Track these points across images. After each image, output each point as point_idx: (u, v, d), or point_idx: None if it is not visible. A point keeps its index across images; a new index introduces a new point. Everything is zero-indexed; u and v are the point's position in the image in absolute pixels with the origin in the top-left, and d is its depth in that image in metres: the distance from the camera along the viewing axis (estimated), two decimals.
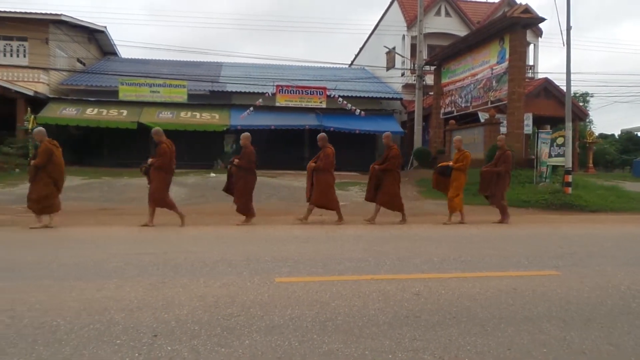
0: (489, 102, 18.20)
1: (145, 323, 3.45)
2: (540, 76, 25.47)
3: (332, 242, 7.03)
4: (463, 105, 20.24)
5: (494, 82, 17.86)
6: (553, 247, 6.92)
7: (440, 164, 10.30)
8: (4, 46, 22.43)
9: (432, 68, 23.22)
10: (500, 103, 17.65)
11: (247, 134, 9.51)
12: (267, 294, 4.19)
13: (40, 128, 8.86)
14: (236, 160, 9.16)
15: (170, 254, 5.91)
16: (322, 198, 9.27)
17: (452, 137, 20.28)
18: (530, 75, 25.14)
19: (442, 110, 22.07)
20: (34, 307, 3.78)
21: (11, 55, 22.63)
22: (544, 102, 21.48)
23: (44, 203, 8.35)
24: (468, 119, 20.84)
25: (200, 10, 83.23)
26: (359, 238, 7.42)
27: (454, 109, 21.07)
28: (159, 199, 8.70)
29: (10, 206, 11.06)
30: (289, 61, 38.81)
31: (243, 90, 24.22)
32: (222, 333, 3.27)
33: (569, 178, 13.33)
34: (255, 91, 23.45)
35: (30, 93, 20.42)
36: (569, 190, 13.16)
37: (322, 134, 9.77)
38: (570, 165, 13.69)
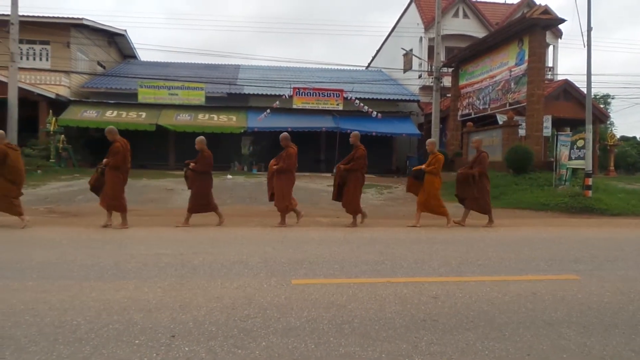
0: (508, 104, 18.02)
1: (164, 324, 3.49)
2: (559, 78, 25.16)
3: (348, 244, 7.02)
4: (481, 107, 20.07)
5: (512, 84, 17.68)
6: (573, 250, 6.82)
7: (414, 168, 10.04)
8: (27, 50, 22.87)
9: (450, 70, 23.07)
10: (519, 105, 17.46)
11: (201, 137, 9.34)
12: (283, 295, 4.21)
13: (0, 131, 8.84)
14: (192, 164, 9.08)
15: (188, 255, 5.96)
16: (281, 200, 9.14)
17: (470, 139, 20.13)
18: (549, 76, 24.86)
19: (460, 113, 21.92)
20: (55, 307, 3.85)
21: (34, 59, 23.07)
22: (563, 104, 21.20)
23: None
24: (486, 121, 20.66)
25: (219, 13, 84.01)
26: (375, 241, 7.40)
27: (471, 111, 20.91)
28: (114, 201, 8.70)
29: (33, 207, 11.25)
30: (306, 63, 38.92)
31: (260, 93, 24.35)
32: (239, 334, 3.29)
33: (589, 181, 13.12)
34: (272, 93, 23.56)
35: (52, 96, 20.78)
36: (589, 193, 12.96)
37: (285, 134, 9.65)
38: (590, 168, 13.48)
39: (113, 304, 3.92)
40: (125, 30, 27.46)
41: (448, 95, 23.78)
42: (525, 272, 5.33)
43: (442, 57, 22.95)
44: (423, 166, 9.68)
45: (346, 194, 9.28)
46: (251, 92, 24.55)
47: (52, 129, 19.31)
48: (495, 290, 4.46)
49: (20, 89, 18.63)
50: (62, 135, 19.63)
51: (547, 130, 17.78)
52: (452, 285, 4.62)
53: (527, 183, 14.41)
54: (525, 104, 16.88)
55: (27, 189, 13.60)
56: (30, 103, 19.73)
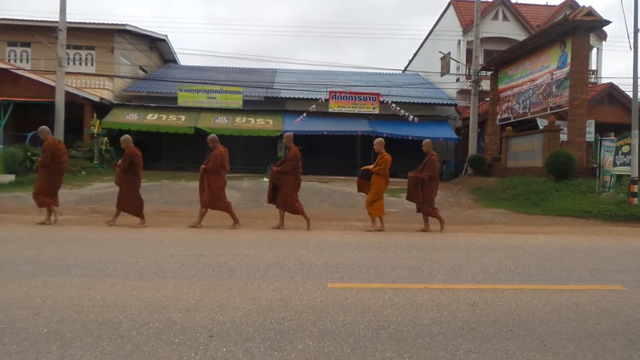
0: (549, 109, 17.57)
1: (202, 323, 3.55)
2: (603, 81, 24.36)
3: (384, 249, 6.98)
4: (521, 111, 19.64)
5: (554, 87, 17.24)
6: (618, 260, 6.59)
7: (362, 168, 9.75)
8: (74, 55, 23.71)
9: (489, 73, 22.67)
10: (561, 109, 17.01)
11: (126, 136, 9.44)
12: (319, 299, 4.22)
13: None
14: (119, 162, 9.19)
15: (225, 256, 6.05)
16: (213, 201, 9.09)
17: (509, 144, 19.73)
18: (593, 80, 24.11)
19: (499, 117, 21.50)
20: (98, 304, 3.97)
21: (80, 64, 23.90)
22: (607, 109, 20.53)
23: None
24: (526, 126, 20.20)
25: (258, 18, 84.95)
26: (411, 246, 7.34)
27: (511, 115, 20.48)
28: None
29: (77, 206, 11.64)
30: (343, 67, 38.98)
31: (297, 97, 24.50)
32: (276, 337, 3.31)
33: (635, 188, 12.65)
34: (309, 97, 23.67)
35: (97, 99, 21.47)
36: (635, 200, 12.49)
37: (212, 136, 9.58)
38: (636, 174, 12.99)
39: (153, 303, 4.02)
40: (166, 36, 28.15)
41: (486, 99, 23.37)
42: (567, 281, 5.18)
43: (481, 61, 22.57)
44: (370, 166, 9.46)
45: (280, 196, 9.19)
46: (288, 96, 24.73)
47: (95, 131, 19.95)
48: (535, 299, 4.35)
49: (67, 93, 19.36)
50: (105, 138, 20.25)
51: (590, 136, 17.24)
52: (490, 293, 4.53)
53: (569, 189, 14.01)
54: (567, 108, 16.44)
55: (72, 189, 14.11)
56: (76, 106, 20.43)
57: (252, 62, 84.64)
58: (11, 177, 15.22)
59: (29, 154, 16.50)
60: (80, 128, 21.14)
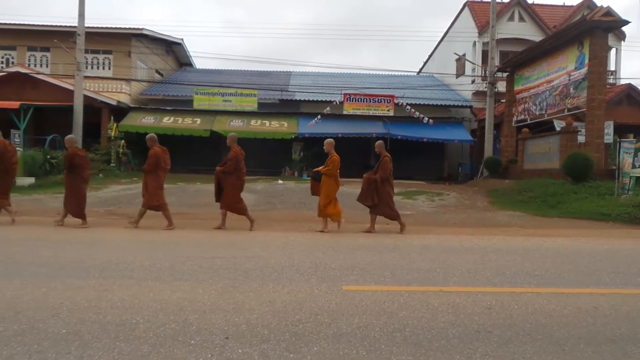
0: (566, 110, 17.37)
1: (218, 325, 3.57)
2: (622, 82, 24.01)
3: (398, 251, 6.96)
4: (537, 113, 19.44)
5: (571, 88, 17.04)
6: (637, 263, 6.49)
7: (314, 170, 9.67)
8: (92, 59, 24.05)
9: (504, 75, 22.49)
10: (578, 111, 16.80)
11: (69, 136, 9.69)
12: (334, 301, 4.22)
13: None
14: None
15: (240, 258, 6.08)
16: (151, 199, 9.16)
17: (525, 146, 19.54)
18: (611, 81, 23.78)
19: (515, 118, 21.31)
20: (116, 305, 4.02)
21: (98, 68, 24.23)
22: (626, 110, 20.23)
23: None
24: (542, 127, 20.00)
25: (273, 21, 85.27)
26: (426, 248, 7.30)
27: (527, 116, 20.28)
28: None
29: (94, 209, 11.78)
30: (357, 69, 38.96)
31: (311, 99, 24.54)
32: (291, 339, 3.32)
33: None
34: (323, 99, 23.70)
35: (114, 103, 21.74)
36: None
37: (150, 135, 9.63)
38: None
39: (170, 304, 4.05)
40: (182, 39, 28.42)
41: (502, 100, 23.18)
42: (585, 284, 5.11)
43: (497, 62, 22.41)
44: (320, 168, 9.41)
45: (225, 197, 9.23)
46: (302, 99, 24.79)
47: (113, 134, 20.19)
48: (553, 303, 4.30)
49: (85, 97, 19.64)
50: (122, 141, 20.49)
51: (609, 137, 17.00)
52: (506, 296, 4.49)
53: (587, 192, 13.82)
54: (585, 109, 16.23)
55: (89, 191, 14.27)
56: (93, 110, 20.72)
57: (267, 65, 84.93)
58: (31, 180, 15.47)
59: (48, 157, 16.76)
60: (97, 131, 21.43)
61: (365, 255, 6.55)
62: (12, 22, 23.92)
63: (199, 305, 4.04)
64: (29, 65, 23.50)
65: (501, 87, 22.72)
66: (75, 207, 9.20)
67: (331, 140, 9.57)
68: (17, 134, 16.49)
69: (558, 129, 18.52)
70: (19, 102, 18.63)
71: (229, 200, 9.19)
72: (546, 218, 11.79)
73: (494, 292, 4.67)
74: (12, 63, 23.50)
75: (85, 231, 8.51)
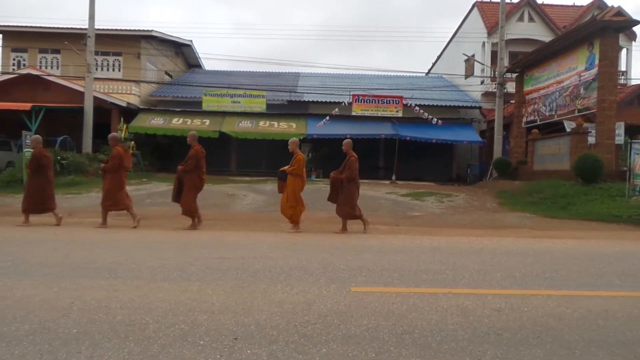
0: (576, 111, 17.25)
1: (227, 326, 3.58)
2: (634, 82, 23.80)
3: (407, 252, 6.94)
4: (547, 113, 19.32)
5: (581, 89, 16.91)
6: None
7: (280, 169, 9.65)
8: (102, 61, 24.22)
9: (514, 75, 22.37)
10: (589, 112, 16.68)
11: (35, 136, 9.84)
12: (343, 302, 4.22)
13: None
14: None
15: (248, 259, 6.09)
16: (110, 198, 9.26)
17: (535, 147, 19.42)
18: (622, 81, 23.57)
19: (524, 119, 21.19)
20: (125, 305, 4.04)
21: (108, 70, 24.40)
22: (637, 111, 20.05)
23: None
24: (552, 128, 19.86)
25: (282, 23, 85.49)
26: (435, 250, 7.27)
27: (537, 117, 20.16)
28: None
29: None
30: (366, 70, 38.94)
31: (320, 100, 24.55)
32: (300, 340, 3.32)
33: None
34: (332, 100, 23.71)
35: (124, 104, 21.88)
36: None
37: (111, 135, 9.99)
38: None
39: (179, 305, 4.07)
40: (191, 41, 28.55)
41: (512, 101, 23.05)
42: (596, 287, 5.07)
43: (506, 63, 22.30)
44: (286, 167, 9.42)
45: (183, 196, 9.27)
46: (311, 100, 24.81)
47: (122, 135, 20.30)
48: (563, 306, 4.27)
49: (95, 98, 19.80)
50: (132, 142, 20.60)
51: (620, 138, 16.84)
52: (516, 299, 4.47)
53: (597, 193, 13.70)
54: (595, 110, 16.10)
55: (99, 192, 14.38)
56: (103, 111, 20.86)
57: (276, 66, 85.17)
58: None
59: (59, 157, 16.89)
60: (107, 132, 21.44)
61: (373, 256, 6.54)
62: (24, 24, 24.21)
63: (208, 306, 4.06)
64: (40, 67, 23.71)
65: (510, 87, 22.60)
66: (31, 205, 9.33)
67: (295, 139, 9.67)
68: (29, 135, 16.60)
69: (568, 130, 18.39)
70: (30, 104, 18.79)
71: (185, 199, 9.26)
72: (556, 219, 11.70)
73: (503, 294, 4.64)
74: (24, 65, 23.71)
75: (95, 232, 8.57)
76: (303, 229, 9.21)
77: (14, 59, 24.46)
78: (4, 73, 22.50)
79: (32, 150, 9.60)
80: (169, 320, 3.68)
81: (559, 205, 13.29)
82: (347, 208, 9.20)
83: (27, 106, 18.56)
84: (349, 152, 9.43)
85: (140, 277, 5.02)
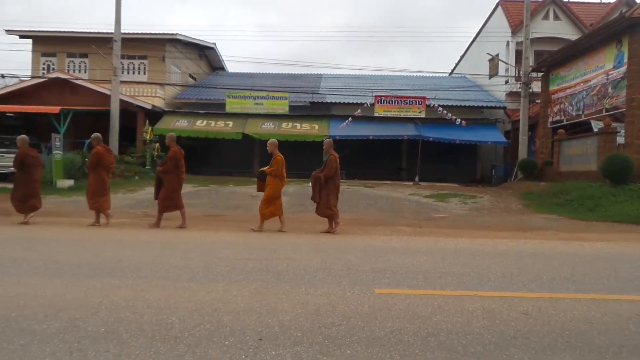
0: (604, 110, 16.88)
1: (251, 326, 3.60)
2: None
3: (431, 254, 6.89)
4: (574, 113, 18.95)
5: (609, 88, 16.55)
6: None
7: (260, 169, 9.79)
8: (128, 64, 24.63)
9: (539, 75, 22.01)
10: (617, 111, 16.30)
11: (21, 136, 9.95)
12: (367, 304, 4.21)
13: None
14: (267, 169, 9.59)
15: (272, 260, 6.13)
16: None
17: (561, 147, 19.07)
18: None
19: (550, 119, 20.82)
20: (152, 305, 4.10)
21: (133, 73, 24.81)
22: None
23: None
24: (579, 128, 19.48)
25: (305, 25, 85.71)
26: (459, 252, 7.20)
27: (563, 117, 19.79)
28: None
29: (131, 210, 12.06)
30: (389, 71, 38.79)
31: (342, 101, 24.54)
32: (324, 342, 3.32)
33: None
34: (354, 102, 23.67)
35: (149, 107, 22.22)
36: None
37: (95, 135, 10.25)
38: None
39: (204, 305, 4.11)
40: (215, 44, 28.84)
41: (537, 101, 22.68)
42: (626, 291, 4.95)
43: (531, 62, 21.95)
44: (266, 168, 9.52)
45: (160, 193, 9.46)
46: (333, 101, 24.80)
47: (148, 137, 20.64)
48: (592, 310, 4.18)
49: (121, 101, 20.15)
50: (157, 144, 20.91)
51: None
52: (544, 302, 4.39)
53: (627, 195, 13.38)
54: (624, 109, 15.73)
55: (125, 193, 14.64)
56: (129, 114, 21.22)
57: (298, 67, 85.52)
58: (70, 182, 15.94)
59: (86, 159, 17.22)
60: (133, 135, 21.92)
61: (397, 258, 6.50)
62: (53, 29, 24.73)
63: (233, 306, 4.09)
64: (68, 71, 24.23)
65: (536, 87, 22.24)
66: (18, 202, 9.63)
67: (274, 140, 9.77)
68: (58, 137, 16.98)
69: (596, 129, 18.01)
70: (59, 107, 19.20)
71: (164, 197, 9.44)
72: (584, 221, 11.47)
73: (530, 297, 4.57)
74: (53, 69, 24.27)
75: (122, 232, 8.71)
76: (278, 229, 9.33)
77: (43, 64, 25.05)
78: (34, 77, 23.08)
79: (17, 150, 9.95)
80: (195, 320, 3.72)
81: (586, 206, 13.03)
82: (325, 209, 9.37)
83: (56, 109, 18.98)
84: (329, 151, 9.64)
85: (166, 277, 5.09)
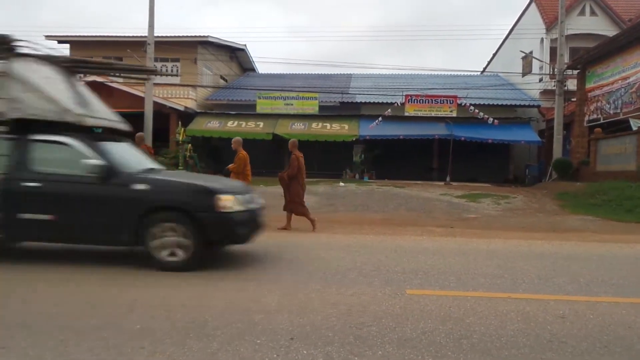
0: None
1: (282, 326, 3.62)
2: None
3: (463, 255, 6.79)
4: (611, 112, 18.38)
5: None
6: None
7: (226, 167, 9.96)
8: (161, 67, 25.07)
9: (575, 72, 21.44)
10: None
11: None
12: (398, 305, 4.18)
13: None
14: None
15: (303, 260, 6.15)
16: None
17: (598, 146, 18.54)
18: None
19: (586, 118, 20.25)
20: (184, 303, 4.17)
21: (167, 75, 25.25)
22: None
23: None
24: (617, 127, 18.89)
25: (335, 24, 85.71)
26: (492, 253, 7.07)
27: (600, 116, 19.21)
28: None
29: None
30: (419, 70, 38.43)
31: (372, 101, 24.42)
32: (355, 342, 3.32)
33: None
34: (384, 101, 23.52)
35: (181, 108, 22.58)
36: None
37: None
38: None
39: (236, 304, 4.16)
40: (245, 45, 29.09)
41: (573, 99, 22.09)
42: None
43: (566, 59, 21.41)
44: (230, 165, 9.74)
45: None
46: (363, 101, 24.71)
47: (180, 138, 20.97)
48: (632, 314, 4.05)
49: (155, 103, 20.53)
50: (189, 145, 21.23)
51: None
52: (581, 305, 4.28)
53: None
54: None
55: None
56: (162, 115, 21.60)
57: (328, 67, 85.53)
58: None
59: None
60: (166, 136, 22.31)
61: (428, 259, 6.44)
62: (89, 34, 25.44)
63: (264, 306, 4.12)
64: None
65: (571, 85, 21.65)
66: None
67: (238, 139, 10.18)
68: None
69: (635, 128, 17.43)
70: None
71: None
72: (622, 223, 11.12)
73: (567, 300, 4.46)
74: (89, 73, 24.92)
75: None
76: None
77: None
78: None
79: None
80: (227, 319, 3.76)
81: (624, 207, 12.63)
82: (299, 206, 9.58)
83: None
84: (292, 151, 9.78)
85: (199, 276, 5.16)
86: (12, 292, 4.43)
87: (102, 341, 3.31)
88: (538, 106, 24.42)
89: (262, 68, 33.03)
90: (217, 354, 3.11)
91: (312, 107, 23.54)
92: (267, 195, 14.24)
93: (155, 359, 3.05)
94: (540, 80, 24.62)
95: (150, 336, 3.40)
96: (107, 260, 6.00)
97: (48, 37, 25.03)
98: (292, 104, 23.65)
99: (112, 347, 3.21)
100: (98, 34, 25.40)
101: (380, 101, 23.87)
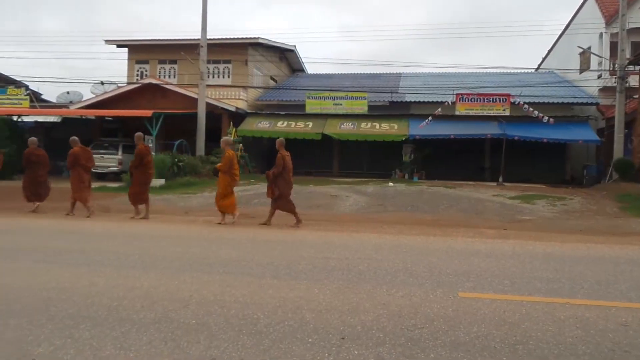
0: None
1: (333, 325, 3.65)
2: None
3: (517, 258, 6.61)
4: None
5: None
6: None
7: (215, 166, 10.01)
8: (213, 69, 25.70)
9: (637, 68, 20.41)
10: None
11: (31, 138, 11.65)
12: (450, 308, 4.12)
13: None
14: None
15: (353, 260, 6.16)
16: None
17: None
18: None
19: None
20: (238, 300, 4.27)
21: (218, 77, 25.84)
22: None
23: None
24: None
25: (385, 24, 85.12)
26: (548, 256, 6.85)
27: None
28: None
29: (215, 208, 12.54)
30: (470, 68, 37.61)
31: (422, 100, 24.11)
32: (407, 344, 3.30)
33: None
34: (434, 100, 23.16)
35: (233, 109, 23.07)
36: None
37: (73, 138, 11.19)
38: None
39: (287, 302, 4.22)
40: (295, 46, 29.36)
41: (635, 96, 21.03)
42: None
43: (628, 54, 20.41)
44: (218, 164, 9.93)
45: (131, 186, 10.85)
46: (412, 100, 24.44)
47: (232, 138, 21.42)
48: None
49: (208, 104, 21.11)
50: (240, 145, 21.65)
51: None
52: None
53: None
54: None
55: (211, 192, 15.28)
56: (214, 116, 22.13)
57: (378, 67, 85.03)
58: (161, 181, 16.89)
59: (176, 160, 18.21)
60: (218, 136, 22.82)
61: (481, 261, 6.31)
62: (146, 38, 26.34)
63: (315, 305, 4.16)
64: (159, 76, 25.68)
65: (633, 81, 20.62)
66: (29, 193, 11.23)
67: (226, 138, 10.80)
68: (150, 139, 18.12)
69: None
70: (151, 111, 20.40)
71: (133, 190, 10.67)
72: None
73: (630, 307, 4.27)
74: (146, 75, 25.81)
75: (208, 229, 9.11)
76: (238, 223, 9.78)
77: (137, 70, 26.72)
78: (129, 83, 24.67)
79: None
80: (279, 317, 3.83)
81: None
82: (287, 203, 9.85)
83: (148, 113, 20.19)
84: (279, 149, 9.99)
85: (251, 274, 5.28)
86: (74, 287, 4.66)
87: (161, 334, 3.44)
88: (597, 104, 23.39)
89: (311, 68, 33.25)
90: (269, 351, 3.17)
91: (361, 107, 23.47)
92: (316, 195, 14.35)
93: (210, 353, 3.14)
94: (599, 76, 23.56)
95: (206, 331, 3.51)
96: (164, 258, 6.21)
97: (108, 41, 26.14)
98: (341, 104, 23.67)
99: (169, 340, 3.34)
100: (154, 38, 26.25)
101: (430, 100, 23.53)
